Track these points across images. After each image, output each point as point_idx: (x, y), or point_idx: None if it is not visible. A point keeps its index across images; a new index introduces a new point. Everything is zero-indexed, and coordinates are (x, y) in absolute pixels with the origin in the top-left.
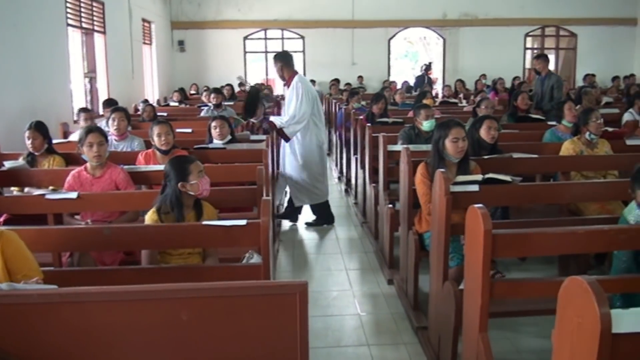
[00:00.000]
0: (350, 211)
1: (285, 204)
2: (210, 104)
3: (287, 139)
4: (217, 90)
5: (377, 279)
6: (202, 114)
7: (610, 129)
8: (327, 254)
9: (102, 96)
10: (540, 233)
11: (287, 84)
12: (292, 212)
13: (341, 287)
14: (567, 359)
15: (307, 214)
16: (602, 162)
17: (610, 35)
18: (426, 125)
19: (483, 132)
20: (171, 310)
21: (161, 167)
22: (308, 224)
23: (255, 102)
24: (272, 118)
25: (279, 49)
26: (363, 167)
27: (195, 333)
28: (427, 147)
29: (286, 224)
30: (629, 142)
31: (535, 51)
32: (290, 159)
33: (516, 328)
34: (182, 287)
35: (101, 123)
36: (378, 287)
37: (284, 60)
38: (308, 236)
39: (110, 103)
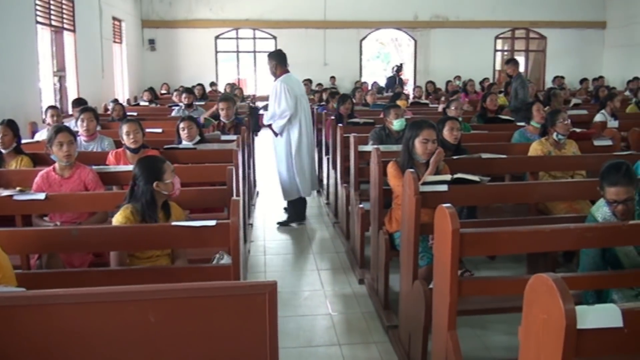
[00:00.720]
0: (322, 211)
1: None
2: (181, 104)
3: (276, 134)
4: (189, 90)
5: (348, 278)
6: (173, 114)
7: (578, 130)
8: (298, 254)
9: (72, 95)
10: (507, 232)
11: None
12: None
13: (313, 287)
14: (534, 355)
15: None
16: (570, 162)
17: (579, 38)
18: (396, 124)
19: (446, 133)
20: (139, 311)
21: (131, 167)
22: (280, 224)
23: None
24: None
25: (251, 49)
26: (335, 168)
27: (163, 334)
28: (397, 148)
29: (260, 222)
30: (596, 142)
31: (505, 53)
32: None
33: (485, 325)
34: (149, 289)
35: (70, 123)
36: (349, 286)
37: (278, 59)
38: (279, 237)
39: (79, 102)
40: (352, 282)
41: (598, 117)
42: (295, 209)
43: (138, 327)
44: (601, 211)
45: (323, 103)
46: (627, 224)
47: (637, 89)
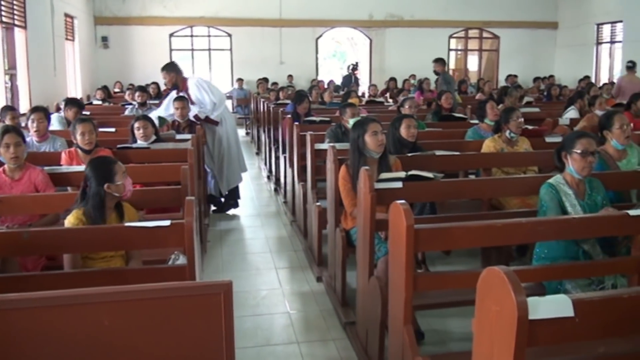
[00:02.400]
0: (280, 210)
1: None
2: (134, 103)
3: (217, 123)
4: (142, 89)
5: (306, 276)
6: (126, 112)
7: (530, 127)
8: (256, 253)
9: (23, 94)
10: (460, 227)
11: (182, 88)
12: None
13: (270, 286)
14: (487, 346)
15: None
16: (522, 159)
17: (531, 37)
18: (352, 122)
19: (403, 131)
20: (93, 315)
21: (84, 167)
22: (215, 211)
23: None
24: (197, 113)
25: (206, 47)
26: (292, 166)
27: (117, 337)
28: (349, 146)
29: (217, 222)
30: (548, 139)
31: (459, 52)
32: (207, 150)
33: (442, 319)
34: (103, 291)
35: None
36: (307, 284)
37: (176, 70)
38: (237, 236)
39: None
40: (310, 280)
41: (571, 113)
42: (235, 195)
43: (92, 331)
44: (556, 179)
45: (287, 101)
46: (577, 217)
47: (588, 87)
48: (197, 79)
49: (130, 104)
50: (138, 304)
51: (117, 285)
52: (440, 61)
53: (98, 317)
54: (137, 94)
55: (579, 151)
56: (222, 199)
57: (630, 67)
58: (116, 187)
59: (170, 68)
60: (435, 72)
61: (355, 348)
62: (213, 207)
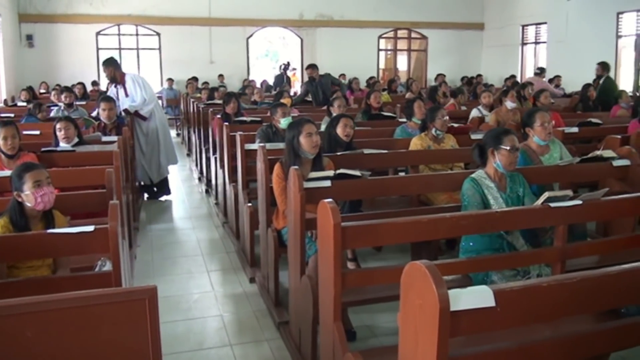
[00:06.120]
0: (212, 211)
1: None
2: (60, 104)
3: (145, 119)
4: (68, 89)
5: (239, 278)
6: (52, 114)
7: (455, 125)
8: (187, 256)
9: None
10: (386, 223)
11: (121, 82)
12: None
13: (203, 289)
14: (412, 338)
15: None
16: (448, 156)
17: (458, 38)
18: (283, 122)
19: (339, 130)
20: (14, 327)
21: (7, 173)
22: (153, 198)
23: None
24: (127, 107)
25: (134, 46)
26: (222, 167)
27: (41, 349)
28: (284, 145)
29: (147, 225)
30: (473, 136)
31: (388, 52)
32: (140, 142)
33: (373, 314)
34: (24, 302)
35: None
36: (240, 286)
37: (114, 64)
38: (168, 240)
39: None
40: (243, 281)
41: (473, 113)
42: (165, 184)
43: (14, 344)
44: (478, 174)
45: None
46: (500, 211)
47: (513, 85)
48: (134, 75)
49: (57, 105)
50: (60, 313)
51: (41, 295)
52: (311, 66)
53: (20, 328)
54: (63, 95)
55: (507, 147)
56: (155, 188)
57: (538, 73)
58: (26, 197)
59: (109, 62)
60: (312, 78)
61: (289, 347)
62: (146, 195)
